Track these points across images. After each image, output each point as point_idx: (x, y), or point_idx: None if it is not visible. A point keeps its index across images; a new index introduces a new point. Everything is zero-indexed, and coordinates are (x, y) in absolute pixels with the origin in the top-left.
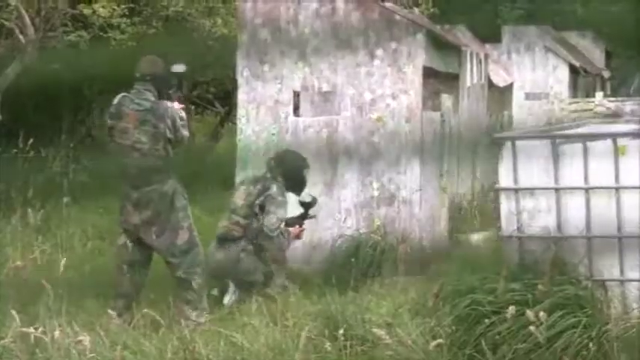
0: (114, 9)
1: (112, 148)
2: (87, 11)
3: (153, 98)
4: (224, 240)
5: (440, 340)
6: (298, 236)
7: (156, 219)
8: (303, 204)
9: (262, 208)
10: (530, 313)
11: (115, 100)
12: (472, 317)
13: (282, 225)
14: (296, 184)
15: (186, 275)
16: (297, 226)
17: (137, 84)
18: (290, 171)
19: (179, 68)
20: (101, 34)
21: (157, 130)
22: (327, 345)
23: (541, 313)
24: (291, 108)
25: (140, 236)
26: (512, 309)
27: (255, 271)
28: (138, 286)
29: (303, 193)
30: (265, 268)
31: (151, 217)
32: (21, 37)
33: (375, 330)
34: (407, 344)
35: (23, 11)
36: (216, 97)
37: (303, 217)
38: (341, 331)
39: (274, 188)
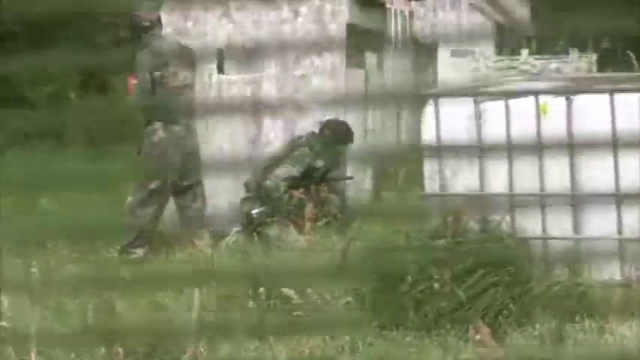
0: None
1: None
2: None
3: None
4: None
5: (348, 299)
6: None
7: None
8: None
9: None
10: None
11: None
12: (395, 276)
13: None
14: (335, 154)
15: None
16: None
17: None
18: (334, 140)
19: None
20: None
21: None
22: (250, 303)
23: (445, 272)
24: (215, 65)
25: None
26: (412, 267)
27: None
28: None
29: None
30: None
31: None
32: None
33: (284, 290)
34: (327, 302)
35: None
36: None
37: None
38: (261, 290)
39: (296, 152)
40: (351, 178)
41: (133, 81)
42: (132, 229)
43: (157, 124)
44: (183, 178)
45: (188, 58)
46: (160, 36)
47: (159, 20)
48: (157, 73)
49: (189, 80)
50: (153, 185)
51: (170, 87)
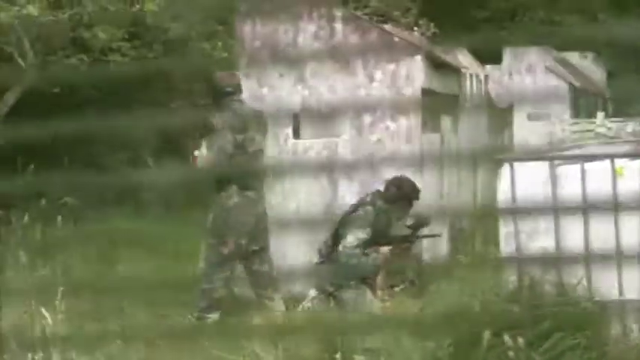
0: (113, 32)
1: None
2: (86, 35)
3: None
4: None
5: None
6: (387, 258)
7: None
8: (409, 226)
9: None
10: (506, 338)
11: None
12: (471, 340)
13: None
14: (401, 211)
15: None
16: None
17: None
18: (399, 198)
19: None
20: (101, 57)
21: None
22: None
23: (519, 339)
24: (290, 130)
25: None
26: (487, 334)
27: None
28: None
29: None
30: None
31: None
32: (20, 61)
33: (357, 357)
34: None
35: (23, 35)
36: None
37: (406, 238)
38: (338, 355)
39: (360, 211)
40: (439, 235)
41: (196, 152)
42: (206, 294)
43: (233, 189)
44: (252, 243)
45: (263, 123)
46: (241, 100)
47: (239, 85)
48: (239, 137)
49: (262, 145)
50: (226, 250)
51: (249, 151)
